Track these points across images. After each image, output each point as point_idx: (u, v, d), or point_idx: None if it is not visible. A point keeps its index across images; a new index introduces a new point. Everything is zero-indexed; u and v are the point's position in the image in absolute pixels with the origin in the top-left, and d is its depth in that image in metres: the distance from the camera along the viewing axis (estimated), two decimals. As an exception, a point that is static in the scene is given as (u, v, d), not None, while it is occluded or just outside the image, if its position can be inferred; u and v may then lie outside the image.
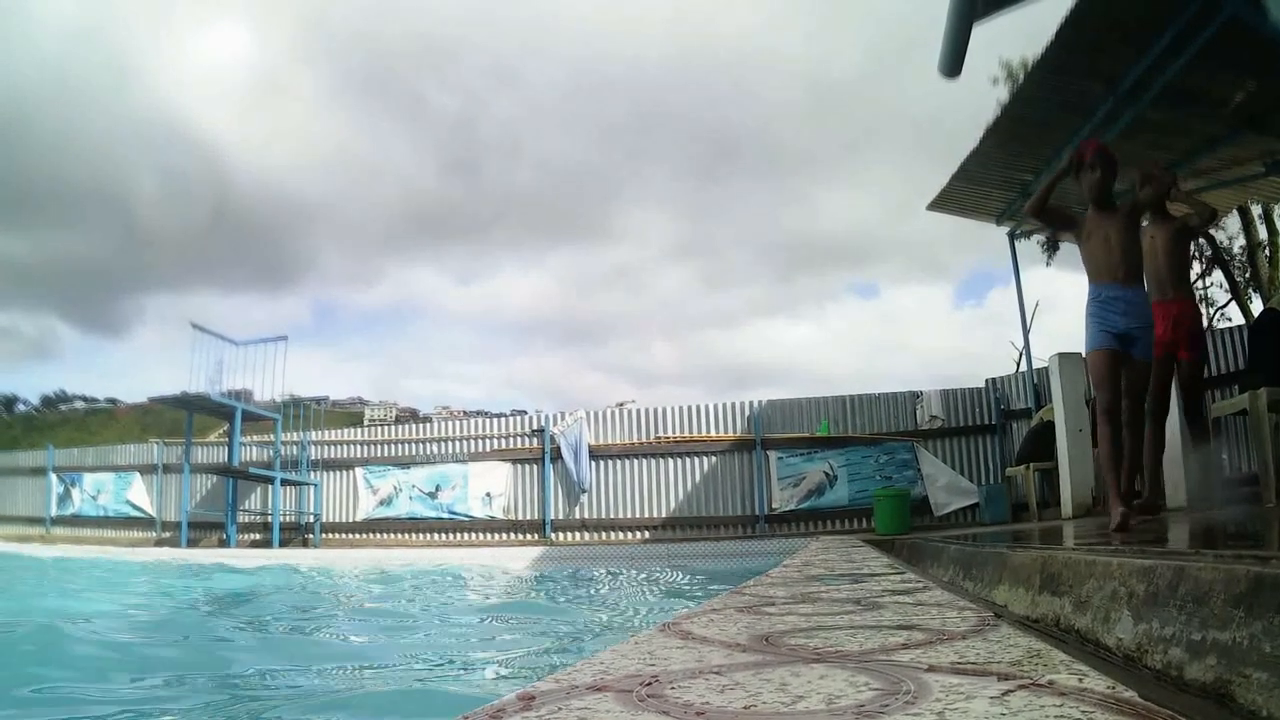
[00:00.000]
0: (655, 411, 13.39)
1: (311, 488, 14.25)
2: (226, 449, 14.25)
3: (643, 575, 8.53)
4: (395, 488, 14.03)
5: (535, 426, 13.70)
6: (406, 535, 13.76)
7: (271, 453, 14.53)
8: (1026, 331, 11.54)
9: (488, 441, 13.96)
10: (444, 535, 13.67)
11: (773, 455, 12.66)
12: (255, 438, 15.05)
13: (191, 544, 13.84)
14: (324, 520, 14.16)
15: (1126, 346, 4.16)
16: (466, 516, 13.57)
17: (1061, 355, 8.79)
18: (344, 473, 14.41)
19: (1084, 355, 4.39)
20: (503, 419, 14.64)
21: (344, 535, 14.02)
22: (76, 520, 16.33)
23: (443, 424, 16.05)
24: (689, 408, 13.27)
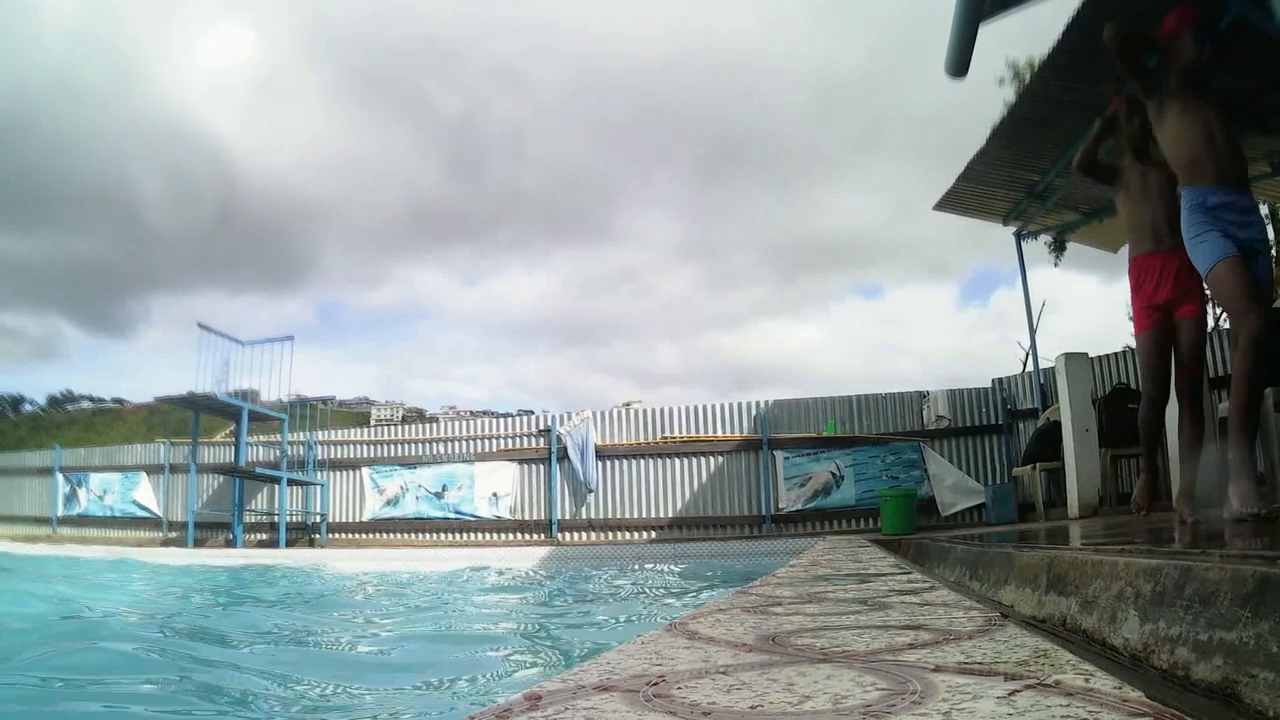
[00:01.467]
0: (662, 411, 13.39)
1: (318, 488, 14.29)
2: (233, 449, 14.30)
3: (648, 575, 8.53)
4: (402, 488, 14.06)
5: (542, 426, 13.71)
6: (413, 535, 13.79)
7: (278, 453, 14.57)
8: (1033, 331, 11.51)
9: (494, 441, 13.97)
10: (450, 535, 13.69)
11: (779, 455, 12.65)
12: (261, 438, 15.10)
13: (198, 544, 13.91)
14: (330, 520, 14.19)
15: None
16: (473, 516, 13.59)
17: (1068, 355, 8.79)
18: (350, 473, 14.44)
19: (1206, 272, 3.45)
20: (509, 419, 14.66)
21: (350, 535, 14.04)
22: (83, 520, 16.40)
23: (449, 424, 16.09)
24: (695, 408, 13.27)
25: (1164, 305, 3.96)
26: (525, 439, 13.81)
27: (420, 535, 13.79)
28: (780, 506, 12.51)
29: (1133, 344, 13.03)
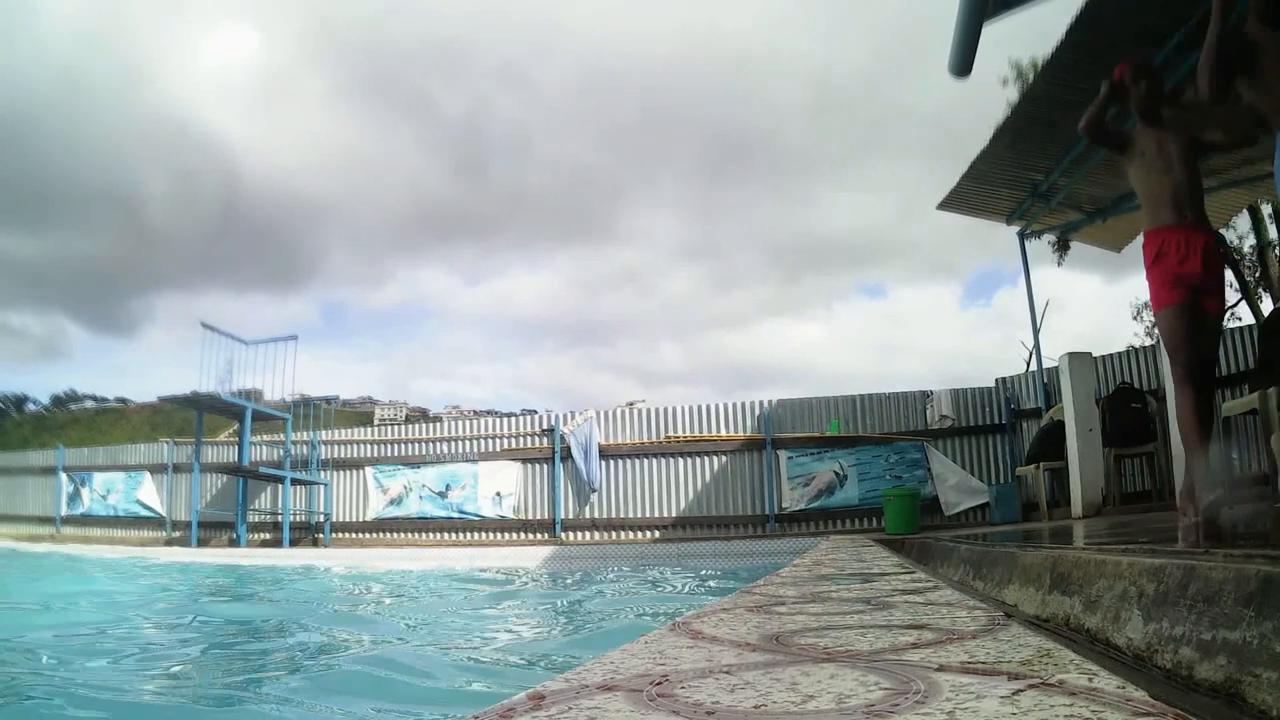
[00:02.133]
0: (665, 411, 13.38)
1: (321, 487, 14.29)
2: (236, 448, 14.30)
3: (652, 575, 8.53)
4: (405, 487, 14.06)
5: (545, 426, 13.71)
6: (416, 535, 13.79)
7: (281, 452, 14.58)
8: (1036, 331, 11.50)
9: (498, 441, 13.97)
10: (454, 535, 13.69)
11: (783, 455, 12.64)
12: (265, 437, 15.10)
13: (201, 544, 13.92)
14: (334, 520, 14.18)
15: None
16: (476, 516, 13.59)
17: (1071, 354, 8.78)
18: (354, 472, 14.45)
19: None
20: (513, 418, 14.66)
21: (354, 535, 14.04)
22: (86, 520, 16.41)
23: (453, 423, 16.10)
24: (699, 407, 13.26)
25: (1189, 279, 3.67)
26: (529, 438, 13.81)
27: (424, 535, 13.79)
28: (784, 506, 12.49)
29: (1135, 343, 12.97)
